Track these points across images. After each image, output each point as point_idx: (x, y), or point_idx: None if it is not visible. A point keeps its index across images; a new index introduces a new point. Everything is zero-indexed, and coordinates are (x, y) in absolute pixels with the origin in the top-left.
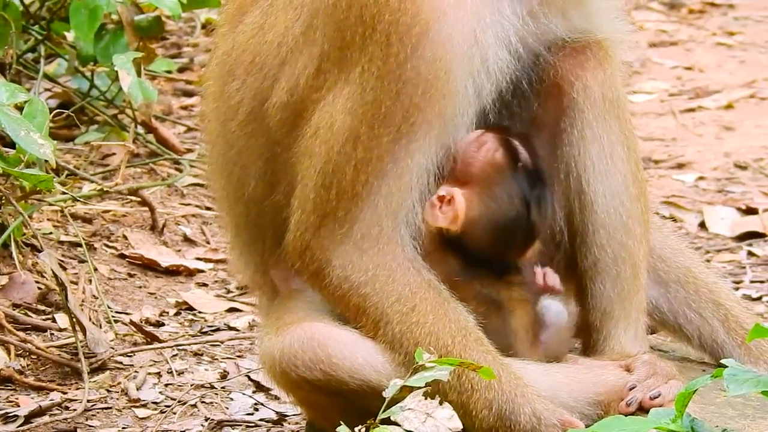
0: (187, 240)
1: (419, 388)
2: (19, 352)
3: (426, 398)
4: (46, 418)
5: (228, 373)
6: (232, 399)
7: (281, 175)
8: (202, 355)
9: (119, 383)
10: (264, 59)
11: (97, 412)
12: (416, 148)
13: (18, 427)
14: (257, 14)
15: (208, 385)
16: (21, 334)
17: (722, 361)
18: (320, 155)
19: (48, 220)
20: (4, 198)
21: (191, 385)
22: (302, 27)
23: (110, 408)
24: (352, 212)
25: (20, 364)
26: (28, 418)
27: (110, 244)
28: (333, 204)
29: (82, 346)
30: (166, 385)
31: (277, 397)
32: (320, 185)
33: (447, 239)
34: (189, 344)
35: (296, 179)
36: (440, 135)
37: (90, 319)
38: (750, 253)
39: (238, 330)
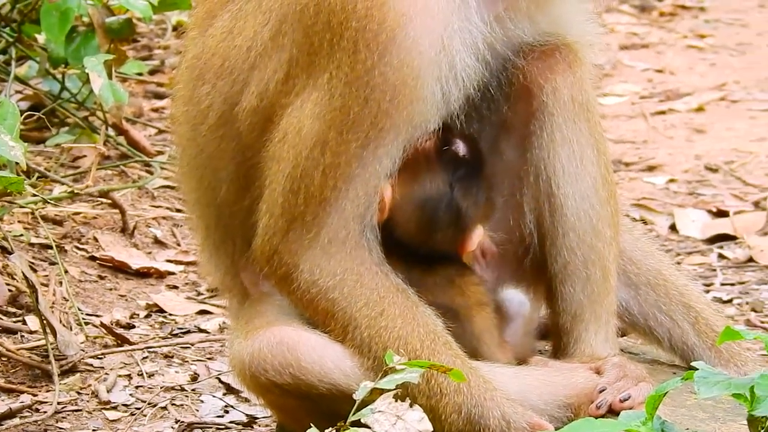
0: (157, 242)
1: (389, 390)
2: None
3: (396, 400)
4: (16, 420)
5: (198, 375)
6: (202, 401)
7: (252, 179)
8: (172, 357)
9: (90, 385)
10: (233, 63)
11: (68, 415)
12: (384, 153)
13: None
14: (227, 18)
15: (179, 388)
16: None
17: (693, 363)
18: (288, 160)
19: (18, 222)
20: None
21: (161, 388)
22: (271, 32)
23: (80, 410)
24: (320, 217)
25: None
26: None
27: (81, 246)
28: (301, 209)
29: (52, 349)
30: (137, 387)
31: (247, 400)
32: (288, 190)
33: (384, 239)
34: (159, 346)
35: (265, 184)
36: (408, 140)
37: (60, 322)
38: (721, 256)
39: (208, 332)
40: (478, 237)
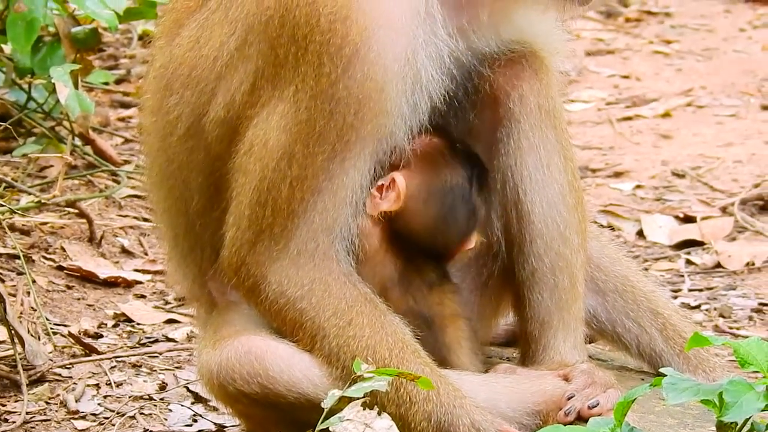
0: (125, 251)
1: (358, 398)
2: None
3: (364, 409)
4: None
5: (166, 384)
6: (170, 410)
7: (222, 189)
8: (140, 366)
9: (58, 395)
10: (200, 73)
11: (36, 425)
12: (351, 165)
13: None
14: (193, 27)
15: (147, 397)
16: None
17: (661, 369)
18: (255, 172)
19: None
20: None
21: (130, 397)
22: (237, 42)
23: (49, 420)
24: (288, 229)
25: None
26: None
27: (48, 256)
28: (269, 221)
29: (20, 359)
30: (105, 396)
31: (215, 409)
32: (255, 202)
33: (388, 234)
34: (127, 356)
35: (232, 196)
36: (375, 152)
37: (28, 331)
38: (688, 261)
39: (176, 341)
40: (474, 238)
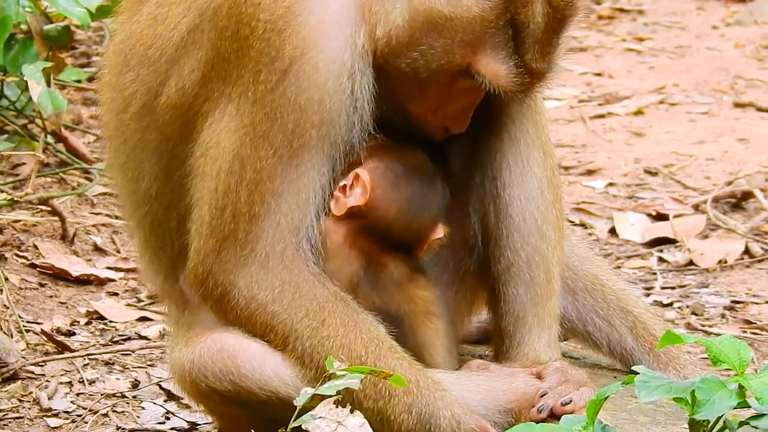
0: (97, 249)
1: (330, 396)
2: None
3: (337, 406)
4: None
5: (139, 382)
6: (143, 408)
7: (175, 176)
8: (113, 364)
9: (31, 393)
10: (155, 53)
11: (9, 422)
12: (308, 166)
13: None
14: (153, 4)
15: (120, 394)
16: None
17: (633, 367)
18: (212, 175)
19: None
20: None
21: (102, 395)
22: (189, 25)
23: (22, 417)
24: (253, 233)
25: None
26: None
27: (21, 253)
28: (231, 226)
29: None
30: (78, 394)
31: (188, 406)
32: (214, 206)
33: (352, 231)
34: (100, 353)
35: (191, 201)
36: (328, 156)
37: (1, 329)
38: (660, 259)
39: (149, 339)
40: (441, 229)
